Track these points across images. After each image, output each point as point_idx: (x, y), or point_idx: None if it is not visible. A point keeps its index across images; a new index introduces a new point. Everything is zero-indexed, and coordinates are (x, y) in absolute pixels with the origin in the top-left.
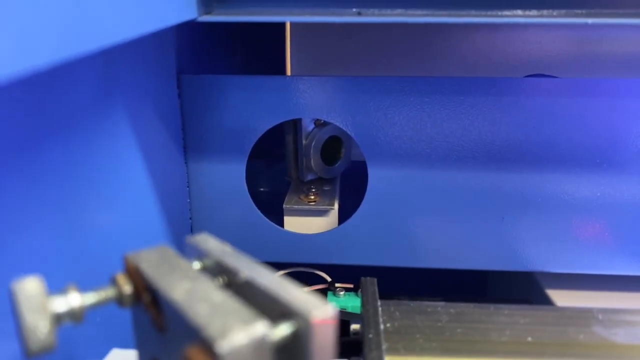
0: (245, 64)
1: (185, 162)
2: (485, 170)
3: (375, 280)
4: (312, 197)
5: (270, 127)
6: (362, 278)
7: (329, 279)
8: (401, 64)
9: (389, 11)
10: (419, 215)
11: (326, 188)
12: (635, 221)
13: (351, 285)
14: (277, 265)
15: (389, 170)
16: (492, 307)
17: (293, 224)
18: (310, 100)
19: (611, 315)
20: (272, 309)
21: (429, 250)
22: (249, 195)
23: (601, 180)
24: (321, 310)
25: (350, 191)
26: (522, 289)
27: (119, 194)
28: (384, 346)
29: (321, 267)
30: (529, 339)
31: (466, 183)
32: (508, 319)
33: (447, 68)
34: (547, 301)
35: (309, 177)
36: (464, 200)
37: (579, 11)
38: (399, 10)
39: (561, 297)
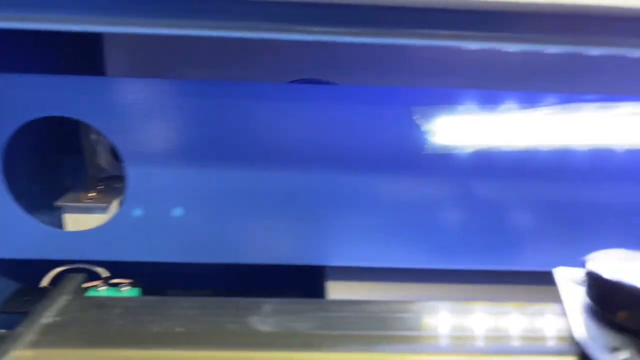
0: (61, 62)
1: None
2: (254, 170)
3: (80, 275)
4: (93, 194)
5: (15, 127)
6: (70, 274)
7: (104, 275)
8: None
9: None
10: (190, 211)
11: (117, 185)
12: (422, 218)
13: (129, 280)
14: (56, 263)
15: (149, 168)
16: (183, 300)
17: (71, 221)
18: (52, 99)
19: (280, 306)
20: None
21: (204, 245)
22: (7, 194)
23: (389, 180)
24: None
25: None
26: (316, 282)
27: None
28: (28, 339)
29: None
30: (179, 329)
31: (234, 179)
32: (181, 312)
33: (248, 70)
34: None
35: (102, 173)
36: (235, 196)
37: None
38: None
39: (341, 290)
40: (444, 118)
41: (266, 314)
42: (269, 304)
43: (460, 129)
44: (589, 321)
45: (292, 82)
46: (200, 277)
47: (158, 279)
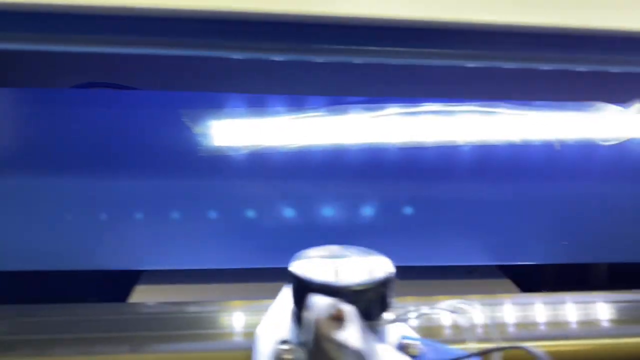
0: None
1: None
2: (54, 176)
3: None
4: None
5: None
6: None
7: None
8: None
9: None
10: None
11: None
12: (224, 219)
13: None
14: None
15: None
16: None
17: None
18: None
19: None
20: None
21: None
22: None
23: (190, 182)
24: None
25: None
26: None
27: None
28: None
29: None
30: None
31: (30, 186)
32: None
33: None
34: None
35: None
36: (33, 202)
37: None
38: None
39: (149, 293)
40: (220, 121)
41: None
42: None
43: (235, 131)
44: (289, 317)
45: (77, 86)
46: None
47: None
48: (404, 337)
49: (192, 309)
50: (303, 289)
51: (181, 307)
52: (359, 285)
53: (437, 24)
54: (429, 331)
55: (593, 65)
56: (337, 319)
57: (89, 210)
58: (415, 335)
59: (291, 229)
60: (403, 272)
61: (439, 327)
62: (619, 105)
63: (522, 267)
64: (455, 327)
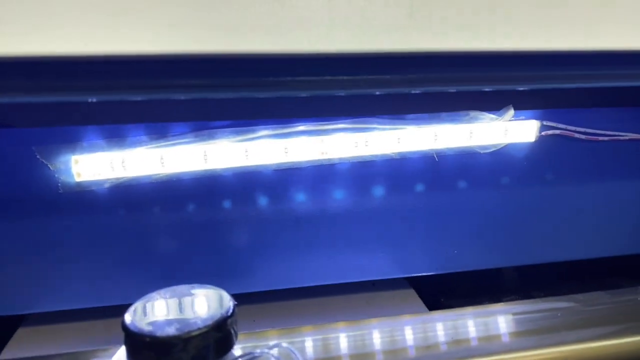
0: None
1: None
2: None
3: None
4: None
5: None
6: None
7: None
8: None
9: None
10: None
11: None
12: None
13: None
14: None
15: None
16: None
17: None
18: None
19: None
20: None
21: None
22: None
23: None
24: None
25: None
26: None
27: None
28: None
29: None
30: None
31: None
32: None
33: None
34: None
35: None
36: None
37: None
38: None
39: (32, 336)
40: (80, 155)
41: None
42: None
43: (97, 164)
44: None
45: None
46: None
47: None
48: None
49: None
50: (132, 339)
51: None
52: (188, 332)
53: (298, 55)
54: None
55: (463, 86)
56: None
57: None
58: None
59: (170, 261)
60: (304, 292)
61: None
62: (492, 113)
63: (430, 277)
64: None
